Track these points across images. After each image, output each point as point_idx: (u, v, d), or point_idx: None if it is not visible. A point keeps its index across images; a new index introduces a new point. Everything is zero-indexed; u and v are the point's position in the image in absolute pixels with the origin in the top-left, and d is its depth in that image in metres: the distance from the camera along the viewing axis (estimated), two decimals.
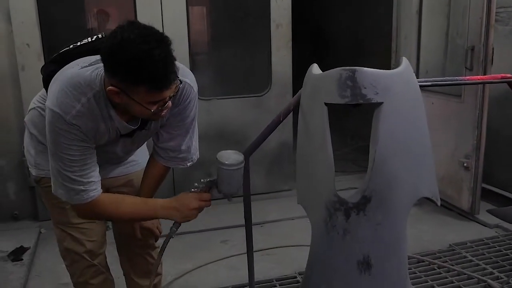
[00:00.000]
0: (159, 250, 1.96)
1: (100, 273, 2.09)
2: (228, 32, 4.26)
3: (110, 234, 2.20)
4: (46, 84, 1.74)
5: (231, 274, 3.01)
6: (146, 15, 3.68)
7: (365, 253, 1.51)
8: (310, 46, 7.53)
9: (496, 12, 3.45)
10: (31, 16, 3.50)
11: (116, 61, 1.46)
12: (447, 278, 2.86)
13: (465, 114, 3.61)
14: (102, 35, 1.79)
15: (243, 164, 1.76)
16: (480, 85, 3.42)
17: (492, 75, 2.80)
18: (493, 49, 3.40)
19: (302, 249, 2.88)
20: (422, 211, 3.82)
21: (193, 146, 1.95)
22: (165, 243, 1.80)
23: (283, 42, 4.12)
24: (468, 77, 2.48)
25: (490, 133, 3.64)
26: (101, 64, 1.54)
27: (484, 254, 3.13)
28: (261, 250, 3.21)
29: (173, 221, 1.80)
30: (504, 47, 3.73)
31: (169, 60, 1.48)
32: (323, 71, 1.54)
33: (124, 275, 2.34)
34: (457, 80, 2.05)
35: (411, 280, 2.63)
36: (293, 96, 1.90)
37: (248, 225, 2.07)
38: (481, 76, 3.17)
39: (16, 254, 3.25)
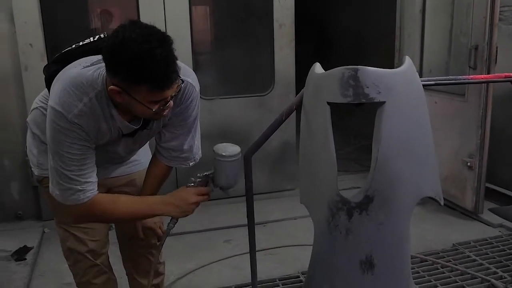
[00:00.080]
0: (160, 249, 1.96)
1: (103, 273, 2.09)
2: (231, 32, 4.25)
3: (113, 234, 2.21)
4: (48, 84, 1.74)
5: (234, 273, 3.02)
6: (149, 15, 3.68)
7: (367, 253, 1.51)
8: (313, 45, 7.53)
9: (500, 11, 3.44)
10: (34, 16, 3.50)
11: (118, 61, 1.46)
12: (450, 277, 2.85)
13: (469, 113, 3.60)
14: (104, 35, 1.79)
15: (240, 156, 1.77)
16: (483, 84, 3.40)
17: (496, 74, 2.78)
18: (497, 48, 3.39)
19: (304, 248, 2.87)
20: (425, 210, 3.81)
21: (196, 145, 1.95)
22: (163, 240, 1.80)
23: (286, 41, 4.11)
24: (471, 76, 2.47)
25: (494, 132, 3.63)
26: (103, 64, 1.54)
27: (488, 254, 3.12)
28: (264, 250, 3.21)
29: (170, 218, 1.81)
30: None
31: (170, 59, 1.48)
32: (326, 70, 1.53)
33: (127, 275, 2.34)
34: (460, 79, 2.03)
35: (414, 280, 2.63)
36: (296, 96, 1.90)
37: (251, 224, 2.07)
38: (485, 75, 3.17)
39: (20, 254, 3.26)
